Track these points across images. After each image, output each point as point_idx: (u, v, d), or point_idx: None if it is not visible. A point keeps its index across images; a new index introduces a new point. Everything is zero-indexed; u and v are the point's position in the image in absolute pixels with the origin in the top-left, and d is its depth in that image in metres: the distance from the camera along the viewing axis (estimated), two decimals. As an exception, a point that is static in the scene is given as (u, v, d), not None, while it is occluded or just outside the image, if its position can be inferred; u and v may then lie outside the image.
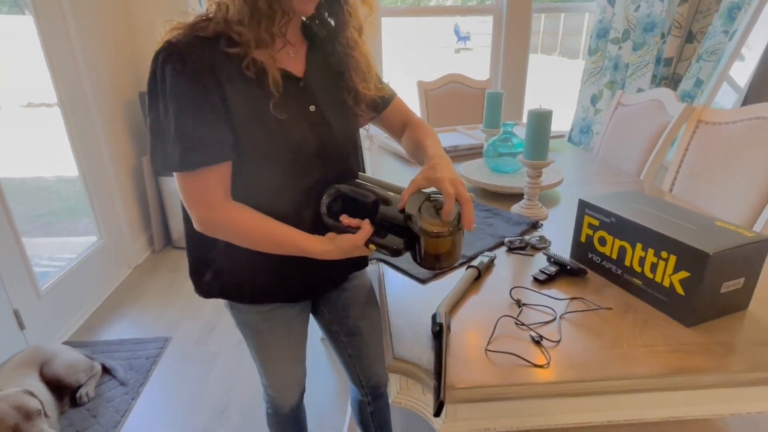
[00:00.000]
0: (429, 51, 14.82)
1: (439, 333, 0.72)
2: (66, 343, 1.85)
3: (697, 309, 0.74)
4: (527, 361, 0.68)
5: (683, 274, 0.75)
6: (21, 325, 1.68)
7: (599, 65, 2.63)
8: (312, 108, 0.77)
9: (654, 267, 0.80)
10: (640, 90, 2.52)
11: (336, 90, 0.82)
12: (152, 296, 2.25)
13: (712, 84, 2.42)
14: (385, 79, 0.94)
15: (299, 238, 0.73)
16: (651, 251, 0.80)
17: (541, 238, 1.05)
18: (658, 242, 0.79)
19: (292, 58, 0.77)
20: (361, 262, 0.96)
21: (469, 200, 0.69)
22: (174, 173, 0.70)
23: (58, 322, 1.90)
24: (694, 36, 2.42)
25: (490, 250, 1.03)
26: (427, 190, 0.74)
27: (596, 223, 0.91)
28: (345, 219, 0.74)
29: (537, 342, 0.73)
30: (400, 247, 0.73)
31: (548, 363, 0.68)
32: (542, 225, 1.15)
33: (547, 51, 14.96)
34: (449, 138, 1.90)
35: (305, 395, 1.08)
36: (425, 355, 0.70)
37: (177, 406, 1.59)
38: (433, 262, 0.73)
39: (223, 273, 0.82)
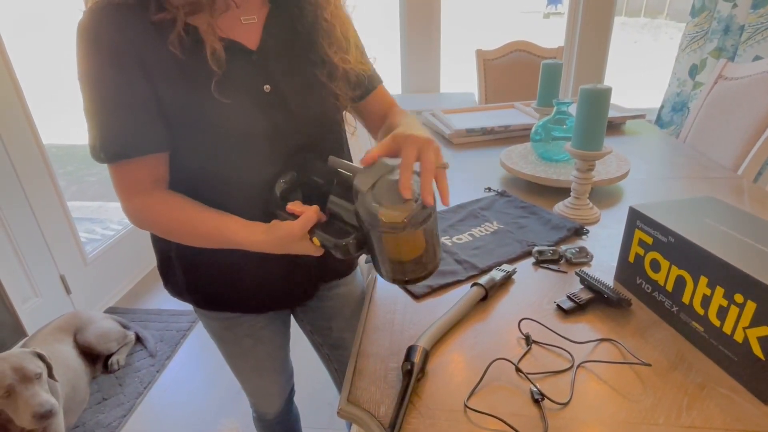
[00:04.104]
0: (512, 16, 13.80)
1: (408, 373, 0.58)
2: (109, 309, 1.95)
3: (781, 381, 0.52)
4: (515, 430, 0.51)
5: (765, 330, 0.52)
6: (67, 290, 1.78)
7: (704, 28, 2.17)
8: (267, 88, 0.62)
9: (723, 312, 0.58)
10: (757, 59, 2.04)
11: (304, 64, 0.66)
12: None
13: None
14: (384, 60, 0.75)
15: (228, 227, 0.60)
16: (720, 290, 0.58)
17: (581, 250, 0.84)
18: (730, 279, 0.56)
19: (245, 26, 0.62)
20: (329, 273, 0.81)
21: (433, 167, 0.51)
22: None
23: (104, 288, 2.00)
24: (841, -12, 1.90)
25: (513, 261, 0.84)
26: (391, 162, 0.54)
27: (649, 240, 0.69)
28: (291, 206, 0.59)
29: (537, 401, 0.55)
30: (347, 243, 0.54)
31: (544, 436, 0.51)
32: (588, 231, 0.93)
33: (651, 13, 13.28)
34: (501, 116, 1.66)
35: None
36: (386, 402, 0.56)
37: (196, 384, 1.61)
38: (394, 268, 0.53)
39: (177, 274, 0.73)
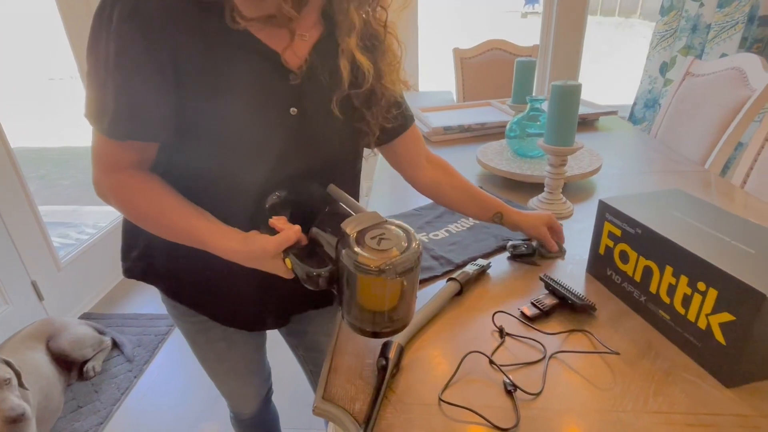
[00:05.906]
0: (491, 15, 13.94)
1: (383, 369, 0.58)
2: (85, 315, 1.90)
3: (741, 365, 0.54)
4: (487, 421, 0.52)
5: (726, 316, 0.54)
6: (40, 296, 1.73)
7: (673, 27, 2.23)
8: (294, 111, 0.59)
9: (687, 300, 0.59)
10: (724, 56, 2.11)
11: (338, 88, 0.61)
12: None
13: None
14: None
15: (204, 227, 0.56)
16: (684, 279, 0.59)
17: (554, 244, 0.85)
18: (694, 268, 0.58)
19: (292, 43, 0.58)
20: (303, 305, 0.78)
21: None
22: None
23: (79, 294, 1.96)
24: (801, -12, 1.97)
25: (488, 255, 0.85)
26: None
27: (618, 232, 0.70)
28: (274, 220, 0.56)
29: (510, 393, 0.56)
30: (319, 274, 0.52)
31: (516, 425, 0.52)
32: (561, 225, 0.94)
33: (625, 13, 13.58)
34: (478, 114, 1.68)
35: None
36: (361, 398, 0.56)
37: (175, 389, 1.58)
38: (362, 317, 0.51)
39: (147, 257, 0.71)
